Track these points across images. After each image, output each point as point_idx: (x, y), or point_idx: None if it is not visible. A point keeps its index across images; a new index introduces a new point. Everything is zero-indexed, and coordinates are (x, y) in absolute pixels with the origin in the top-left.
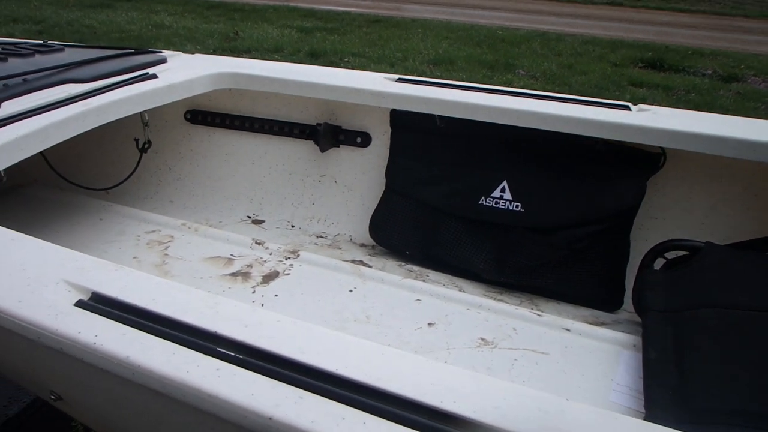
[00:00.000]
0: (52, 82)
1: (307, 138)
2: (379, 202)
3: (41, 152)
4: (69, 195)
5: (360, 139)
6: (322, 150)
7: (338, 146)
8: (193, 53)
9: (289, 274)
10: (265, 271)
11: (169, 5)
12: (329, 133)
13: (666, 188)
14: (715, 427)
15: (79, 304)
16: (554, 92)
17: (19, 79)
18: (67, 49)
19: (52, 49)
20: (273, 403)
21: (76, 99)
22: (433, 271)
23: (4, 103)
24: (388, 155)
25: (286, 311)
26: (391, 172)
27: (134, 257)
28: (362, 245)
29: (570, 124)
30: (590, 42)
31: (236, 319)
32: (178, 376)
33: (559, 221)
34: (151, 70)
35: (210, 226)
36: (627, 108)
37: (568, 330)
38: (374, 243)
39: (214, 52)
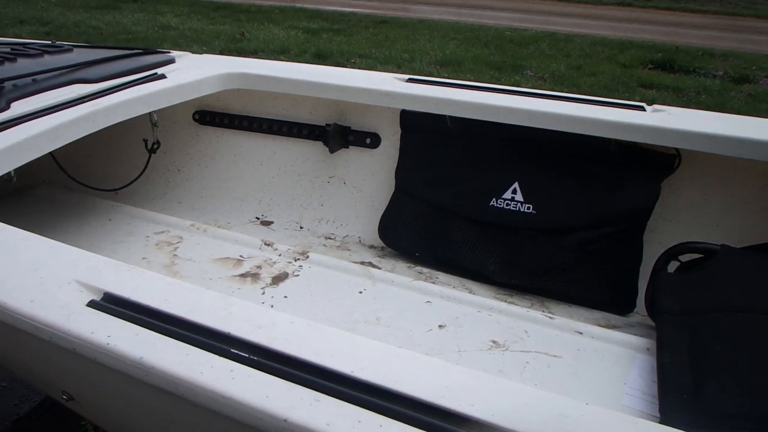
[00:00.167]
0: (62, 82)
1: (316, 139)
2: (389, 203)
3: (51, 153)
4: (78, 195)
5: (369, 140)
6: (331, 151)
7: (347, 147)
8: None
9: (298, 275)
10: (275, 273)
11: (175, 6)
12: (338, 133)
13: (680, 190)
14: None
15: (92, 304)
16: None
17: (28, 80)
18: (75, 49)
19: (60, 50)
20: (288, 405)
21: (86, 99)
22: (443, 273)
23: (14, 103)
24: (397, 156)
25: (296, 312)
26: (400, 173)
27: (143, 258)
28: (371, 247)
29: (583, 124)
30: (599, 43)
31: (249, 320)
32: (192, 377)
33: (572, 223)
34: (159, 71)
35: (219, 227)
36: (641, 108)
37: (581, 333)
38: (383, 245)
39: (221, 54)
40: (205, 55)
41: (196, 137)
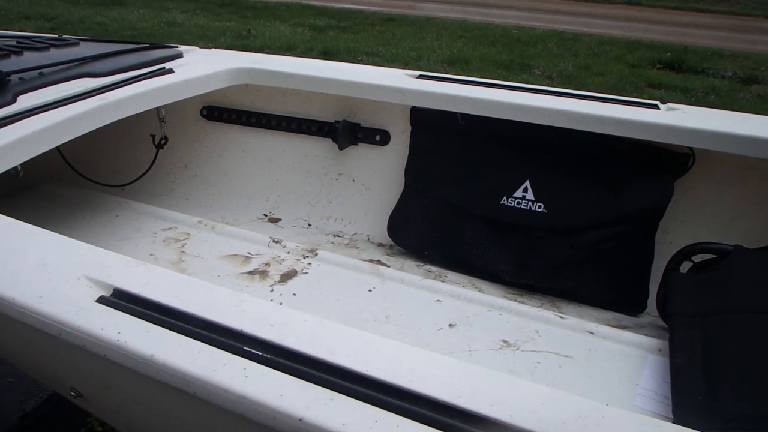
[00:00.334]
0: (69, 76)
1: (324, 136)
2: (398, 201)
3: (57, 148)
4: (84, 191)
5: (379, 137)
6: (341, 148)
7: (356, 144)
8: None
9: (307, 273)
10: (283, 270)
11: (181, 2)
12: (348, 130)
13: (693, 190)
14: None
15: (101, 300)
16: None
17: (35, 73)
18: (82, 43)
19: (67, 43)
20: (303, 404)
21: (93, 93)
22: (452, 272)
23: (21, 97)
24: (407, 154)
25: (305, 310)
26: (410, 171)
27: (151, 254)
28: (380, 245)
29: (597, 122)
30: (607, 42)
31: (262, 318)
32: (204, 375)
33: (583, 222)
34: (167, 65)
35: (226, 224)
36: (656, 107)
37: (592, 333)
38: (392, 243)
39: None
40: (213, 50)
41: (203, 133)
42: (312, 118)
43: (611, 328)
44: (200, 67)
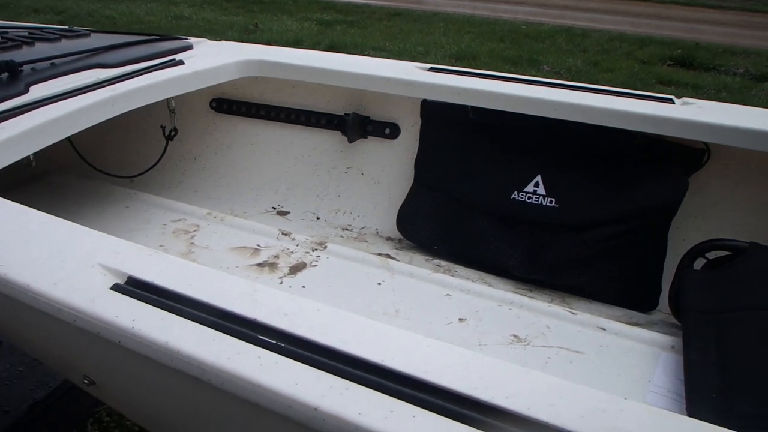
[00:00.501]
0: (80, 66)
1: (334, 128)
2: (407, 195)
3: (68, 139)
4: (94, 182)
5: (389, 130)
6: (350, 141)
7: (366, 137)
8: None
9: (316, 265)
10: (292, 262)
11: None
12: (357, 123)
13: (708, 185)
14: None
15: (116, 287)
16: None
17: (46, 63)
18: (93, 34)
19: (78, 35)
20: (318, 393)
21: (104, 84)
22: (462, 266)
23: (33, 87)
24: (417, 147)
25: None
26: (420, 164)
27: (160, 245)
28: (389, 239)
29: (611, 116)
30: (617, 38)
31: (276, 307)
32: (219, 363)
33: (595, 217)
34: (177, 57)
35: (235, 216)
36: (670, 101)
37: (603, 329)
38: (401, 237)
39: None
40: (222, 42)
41: (212, 125)
42: (321, 111)
43: (623, 324)
44: (210, 59)
